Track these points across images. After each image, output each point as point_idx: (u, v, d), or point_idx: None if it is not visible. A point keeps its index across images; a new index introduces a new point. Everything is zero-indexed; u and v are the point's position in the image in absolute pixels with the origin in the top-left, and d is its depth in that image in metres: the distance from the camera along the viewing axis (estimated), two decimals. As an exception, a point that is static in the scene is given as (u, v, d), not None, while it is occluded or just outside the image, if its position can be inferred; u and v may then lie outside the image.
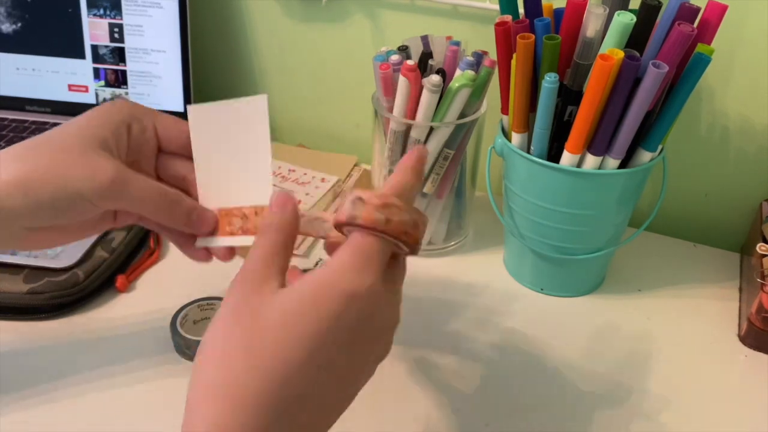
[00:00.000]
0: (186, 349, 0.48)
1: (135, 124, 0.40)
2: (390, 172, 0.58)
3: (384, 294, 0.32)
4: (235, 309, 0.30)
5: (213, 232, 0.41)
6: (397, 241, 0.32)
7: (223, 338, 0.29)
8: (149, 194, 0.38)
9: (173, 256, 0.59)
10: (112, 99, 0.73)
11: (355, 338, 0.30)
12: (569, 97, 0.48)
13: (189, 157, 0.41)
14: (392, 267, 0.34)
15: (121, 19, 0.71)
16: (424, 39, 0.55)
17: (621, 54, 0.43)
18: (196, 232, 0.41)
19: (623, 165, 0.50)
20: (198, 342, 0.34)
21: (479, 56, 0.53)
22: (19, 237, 0.37)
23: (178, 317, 0.49)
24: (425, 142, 0.55)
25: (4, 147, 0.68)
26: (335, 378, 0.30)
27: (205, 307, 0.50)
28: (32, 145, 0.37)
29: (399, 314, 0.34)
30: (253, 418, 0.27)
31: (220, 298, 0.50)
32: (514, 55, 0.49)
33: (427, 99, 0.52)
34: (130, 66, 0.72)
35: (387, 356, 0.35)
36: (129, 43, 0.71)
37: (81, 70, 0.73)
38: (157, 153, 0.42)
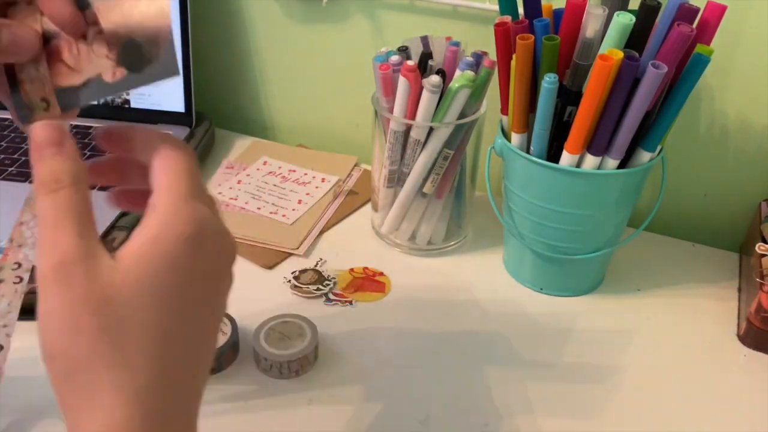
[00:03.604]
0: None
1: None
2: (390, 172, 0.58)
3: (210, 212, 0.29)
4: (76, 306, 0.25)
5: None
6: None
7: (82, 346, 0.25)
8: None
9: (174, 256, 0.59)
10: (111, 99, 0.73)
11: (214, 267, 0.29)
12: (569, 97, 0.48)
13: None
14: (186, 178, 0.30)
15: (122, 19, 0.71)
16: (424, 39, 0.55)
17: (620, 54, 0.43)
18: (12, 58, 0.30)
19: (622, 165, 0.50)
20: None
21: (479, 57, 0.53)
22: None
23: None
24: (425, 142, 0.55)
25: (4, 147, 0.68)
26: (206, 323, 0.29)
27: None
28: None
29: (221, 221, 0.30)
30: (155, 402, 0.26)
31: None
32: (514, 56, 0.49)
33: (426, 99, 0.52)
34: (131, 66, 0.72)
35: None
36: (129, 43, 0.71)
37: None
38: None
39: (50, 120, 0.29)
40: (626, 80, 0.44)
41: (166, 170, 0.29)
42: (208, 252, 0.28)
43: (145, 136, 0.31)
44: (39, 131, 0.28)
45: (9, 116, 0.73)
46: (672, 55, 0.44)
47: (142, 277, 0.26)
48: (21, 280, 0.33)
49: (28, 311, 0.51)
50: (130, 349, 0.26)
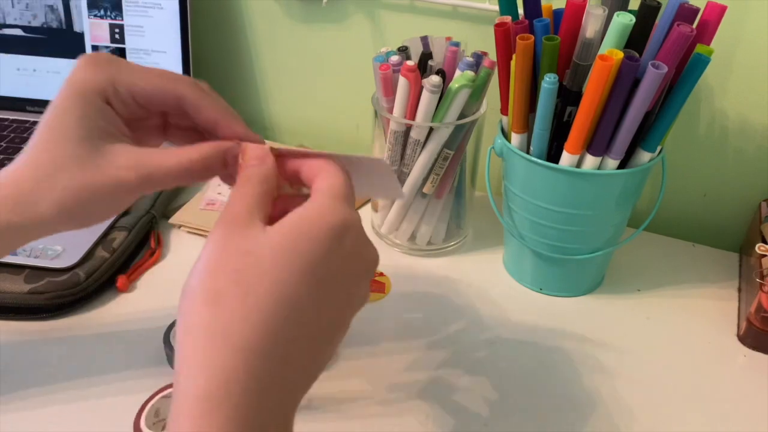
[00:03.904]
0: None
1: (113, 97, 0.35)
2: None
3: (359, 219, 0.32)
4: (223, 251, 0.29)
5: None
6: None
7: (215, 280, 0.29)
8: (172, 173, 0.34)
9: (174, 255, 0.59)
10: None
11: (348, 269, 0.31)
12: (569, 97, 0.48)
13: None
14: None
15: (122, 19, 0.71)
16: (424, 40, 0.55)
17: (620, 54, 0.43)
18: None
19: (622, 165, 0.50)
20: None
21: (479, 57, 0.53)
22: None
23: (172, 330, 0.48)
24: (425, 142, 0.55)
25: (4, 147, 0.68)
26: (328, 313, 0.31)
27: None
28: (39, 173, 0.33)
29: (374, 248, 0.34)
30: (258, 360, 0.28)
31: None
32: (514, 56, 0.49)
33: (426, 99, 0.52)
34: (131, 66, 0.72)
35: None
36: (130, 43, 0.71)
37: (81, 70, 0.73)
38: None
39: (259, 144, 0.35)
40: (626, 80, 0.44)
41: (327, 181, 0.33)
42: (346, 249, 0.31)
43: (311, 164, 0.34)
44: (248, 150, 0.34)
45: (8, 116, 0.73)
46: (672, 55, 0.44)
47: (284, 245, 0.29)
48: None
49: (29, 311, 0.52)
50: (251, 301, 0.28)
